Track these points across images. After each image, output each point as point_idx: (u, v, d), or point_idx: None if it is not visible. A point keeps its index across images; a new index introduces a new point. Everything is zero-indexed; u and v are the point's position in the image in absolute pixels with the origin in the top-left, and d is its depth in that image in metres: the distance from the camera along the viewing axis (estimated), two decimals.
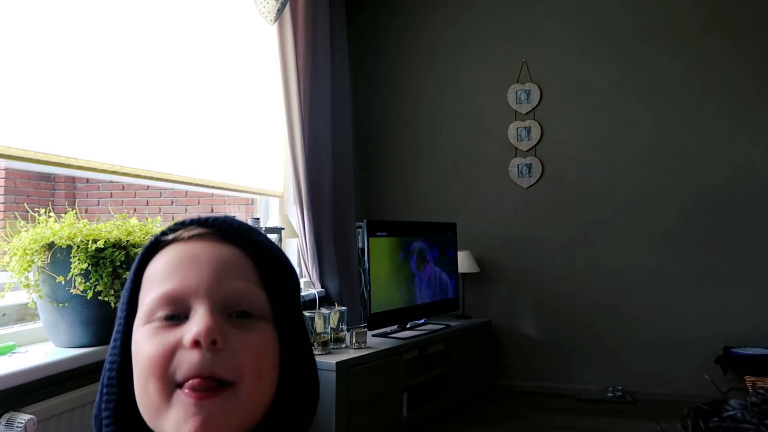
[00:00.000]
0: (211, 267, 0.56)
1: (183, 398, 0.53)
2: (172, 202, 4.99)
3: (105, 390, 0.59)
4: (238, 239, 0.59)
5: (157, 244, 0.60)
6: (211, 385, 0.52)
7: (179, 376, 0.53)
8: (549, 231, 3.89)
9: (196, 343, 0.52)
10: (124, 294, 0.60)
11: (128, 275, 0.61)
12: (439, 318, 3.61)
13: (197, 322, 0.53)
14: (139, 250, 0.61)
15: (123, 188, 5.07)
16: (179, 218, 0.64)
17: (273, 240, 2.84)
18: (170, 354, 0.53)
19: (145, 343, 0.55)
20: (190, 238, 0.59)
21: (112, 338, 0.60)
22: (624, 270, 3.75)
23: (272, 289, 0.59)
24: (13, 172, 4.53)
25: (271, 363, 0.57)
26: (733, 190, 3.58)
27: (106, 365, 0.60)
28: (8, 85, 1.71)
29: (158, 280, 0.57)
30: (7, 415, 1.36)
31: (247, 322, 0.56)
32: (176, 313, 0.55)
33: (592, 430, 3.09)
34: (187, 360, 0.53)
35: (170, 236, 0.60)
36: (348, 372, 2.55)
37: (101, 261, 1.56)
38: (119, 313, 0.60)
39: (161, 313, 0.55)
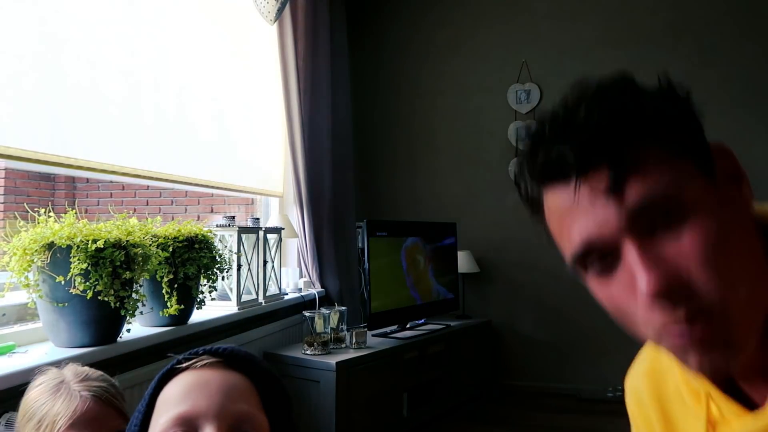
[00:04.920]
0: (220, 392, 0.64)
1: None
2: (172, 202, 4.99)
3: None
4: (244, 367, 0.68)
5: (172, 372, 0.67)
6: None
7: None
8: None
9: None
10: (136, 415, 0.67)
11: (142, 399, 0.68)
12: (439, 318, 3.61)
13: None
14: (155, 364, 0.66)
15: (123, 188, 5.07)
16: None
17: (273, 239, 2.82)
18: None
19: None
20: (202, 366, 0.66)
21: None
22: None
23: (271, 412, 0.67)
24: (13, 172, 4.53)
25: None
26: None
27: None
28: (8, 85, 1.71)
29: (172, 403, 0.64)
30: (7, 415, 1.36)
31: None
32: None
33: (592, 430, 3.09)
34: None
35: (184, 365, 0.67)
36: (348, 372, 2.55)
37: (101, 261, 1.55)
38: None
39: None
